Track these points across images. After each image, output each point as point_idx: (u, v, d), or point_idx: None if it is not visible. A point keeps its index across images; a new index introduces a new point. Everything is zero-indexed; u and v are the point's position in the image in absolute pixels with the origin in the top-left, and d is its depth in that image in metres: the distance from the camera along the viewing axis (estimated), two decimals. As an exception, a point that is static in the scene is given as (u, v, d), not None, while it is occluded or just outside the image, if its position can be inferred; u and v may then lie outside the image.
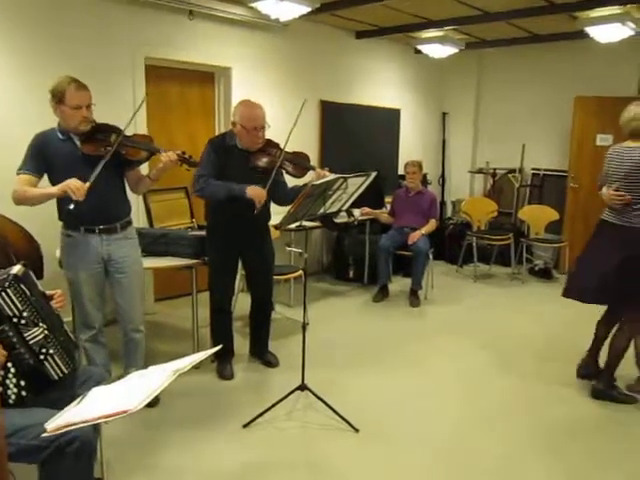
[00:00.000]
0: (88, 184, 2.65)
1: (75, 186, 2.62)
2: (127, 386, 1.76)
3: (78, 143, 2.82)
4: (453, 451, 2.85)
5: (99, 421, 1.62)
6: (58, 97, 2.74)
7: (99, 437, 2.03)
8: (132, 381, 1.79)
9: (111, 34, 4.29)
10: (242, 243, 3.48)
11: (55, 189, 2.70)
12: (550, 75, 6.85)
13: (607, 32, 5.27)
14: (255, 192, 3.22)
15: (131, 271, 3.06)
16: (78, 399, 1.77)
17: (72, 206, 2.62)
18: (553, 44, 6.47)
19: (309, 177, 3.39)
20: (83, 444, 1.80)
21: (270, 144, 3.41)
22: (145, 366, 2.04)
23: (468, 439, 2.97)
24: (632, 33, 5.27)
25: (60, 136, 2.83)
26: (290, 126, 3.16)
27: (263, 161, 3.35)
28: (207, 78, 5.20)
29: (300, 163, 3.42)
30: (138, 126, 4.07)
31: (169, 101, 4.90)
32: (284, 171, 3.43)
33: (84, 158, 2.79)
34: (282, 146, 3.34)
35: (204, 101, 5.22)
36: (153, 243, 3.58)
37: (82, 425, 1.62)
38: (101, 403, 1.68)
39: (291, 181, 3.55)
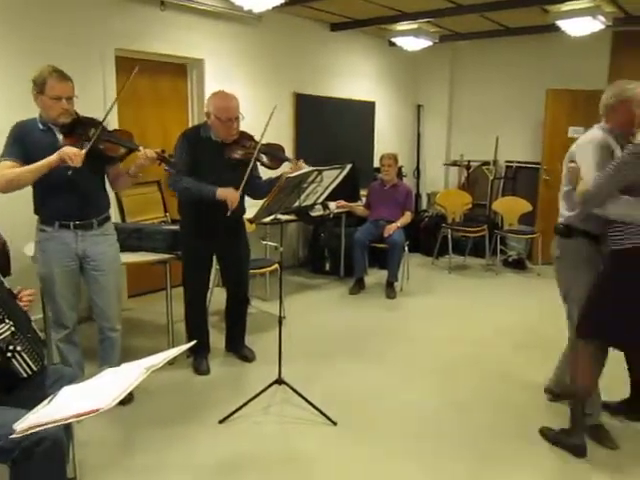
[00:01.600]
0: (84, 150, 2.59)
1: (72, 152, 2.55)
2: (99, 384, 1.72)
3: (59, 135, 2.75)
4: (430, 442, 2.87)
5: (70, 420, 1.58)
6: (39, 87, 2.68)
7: (71, 436, 1.99)
8: (104, 379, 1.76)
9: (80, 25, 4.19)
10: (216, 237, 3.44)
11: (51, 158, 2.58)
12: (523, 68, 6.92)
13: (578, 25, 5.34)
14: (226, 193, 3.19)
15: (108, 269, 2.98)
16: (48, 398, 1.73)
17: (70, 172, 2.57)
18: (525, 37, 6.54)
19: (284, 168, 3.37)
20: (53, 444, 1.75)
21: (244, 136, 3.38)
22: (119, 364, 2.01)
23: (445, 430, 2.99)
24: (602, 26, 5.35)
25: (40, 126, 2.76)
26: (263, 118, 3.13)
27: (238, 153, 3.32)
28: (179, 70, 5.13)
29: (275, 154, 3.40)
30: (109, 120, 3.99)
31: (141, 93, 4.82)
32: (259, 163, 3.40)
33: None
34: (256, 138, 3.31)
35: (177, 93, 5.15)
36: (126, 238, 3.51)
37: (53, 425, 1.58)
38: (72, 402, 1.64)
39: (266, 173, 3.52)
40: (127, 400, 3.10)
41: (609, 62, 6.35)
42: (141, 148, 2.82)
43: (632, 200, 2.52)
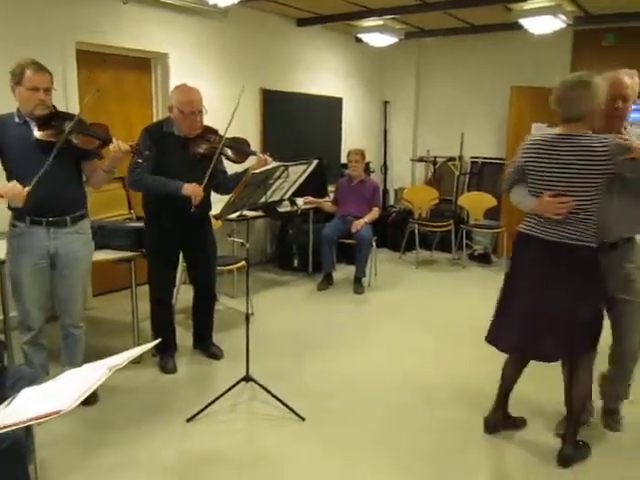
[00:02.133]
0: (28, 188, 2.54)
1: (13, 193, 2.52)
2: (60, 385, 1.68)
3: (34, 128, 2.71)
4: (398, 435, 2.90)
5: (31, 423, 1.54)
6: (17, 78, 2.67)
7: (32, 439, 1.95)
8: (65, 380, 1.72)
9: (40, 17, 4.08)
10: (182, 234, 3.40)
11: None
12: (487, 65, 7.01)
13: (540, 24, 5.45)
14: (192, 189, 3.16)
15: (77, 267, 2.94)
16: (7, 401, 1.68)
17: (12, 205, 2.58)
18: (490, 35, 6.62)
19: (250, 162, 3.35)
20: (13, 443, 1.71)
21: (209, 130, 3.35)
22: (83, 363, 1.97)
23: (414, 422, 3.02)
24: (564, 25, 5.46)
25: (17, 120, 2.74)
26: (230, 114, 3.10)
27: (202, 147, 3.28)
28: (143, 64, 5.04)
29: (240, 148, 3.38)
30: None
31: (103, 88, 4.71)
32: (224, 157, 3.37)
33: (38, 144, 2.68)
34: (221, 132, 3.29)
35: (141, 88, 5.06)
36: (89, 236, 3.45)
37: (13, 428, 1.54)
38: (32, 404, 1.60)
39: (231, 167, 3.49)
40: (92, 400, 3.05)
41: (571, 60, 6.49)
42: (114, 140, 2.78)
43: (521, 189, 2.61)
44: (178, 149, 3.26)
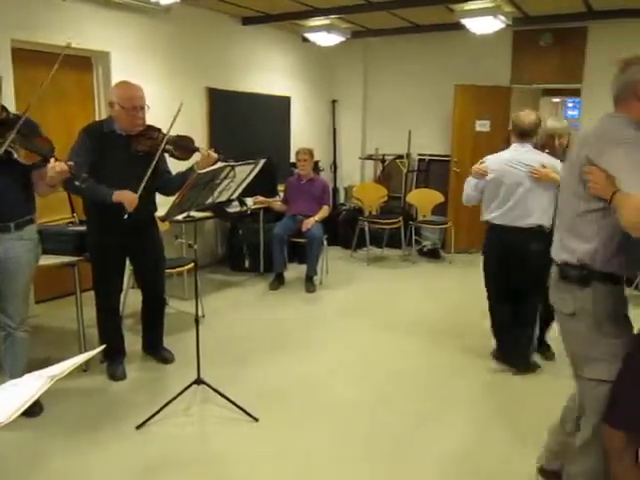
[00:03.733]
0: None
1: None
2: (-2, 397, 1.62)
3: None
4: (352, 434, 2.91)
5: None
6: None
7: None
8: (4, 392, 1.65)
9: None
10: (126, 237, 3.30)
11: None
12: (432, 64, 7.15)
13: (481, 24, 5.59)
14: (123, 196, 3.06)
15: (20, 272, 2.84)
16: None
17: None
18: (434, 34, 6.75)
19: (195, 159, 3.30)
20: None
21: (152, 128, 3.28)
22: (25, 371, 1.89)
23: (367, 421, 3.04)
24: (503, 25, 5.63)
25: None
26: (173, 114, 3.05)
27: (146, 145, 3.20)
28: (84, 63, 4.89)
29: (184, 145, 3.32)
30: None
31: (42, 87, 4.54)
32: (168, 155, 3.30)
33: None
34: (164, 131, 3.23)
35: (81, 87, 4.91)
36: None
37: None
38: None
39: (176, 165, 3.43)
40: (37, 411, 2.94)
41: (511, 59, 6.70)
42: (51, 160, 2.65)
43: None
44: (120, 147, 3.18)
